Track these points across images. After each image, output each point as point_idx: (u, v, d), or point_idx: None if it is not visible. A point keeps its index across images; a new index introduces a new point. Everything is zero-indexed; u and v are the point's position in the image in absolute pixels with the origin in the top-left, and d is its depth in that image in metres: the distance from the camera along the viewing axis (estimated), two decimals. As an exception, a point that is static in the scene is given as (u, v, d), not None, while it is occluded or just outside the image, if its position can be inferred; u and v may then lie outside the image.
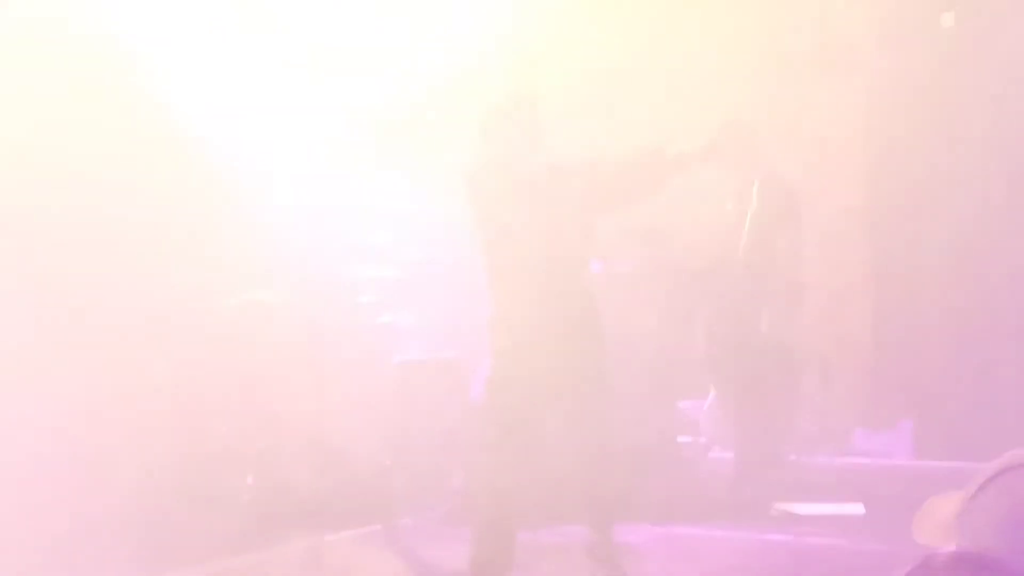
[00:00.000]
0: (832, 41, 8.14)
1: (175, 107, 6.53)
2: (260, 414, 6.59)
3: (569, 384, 5.23)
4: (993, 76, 7.46)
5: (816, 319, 7.16)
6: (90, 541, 5.64)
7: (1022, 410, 7.24)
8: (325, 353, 6.85)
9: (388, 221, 7.73)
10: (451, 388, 6.87)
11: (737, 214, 6.78)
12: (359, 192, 7.48)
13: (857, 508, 6.52)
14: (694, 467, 7.17)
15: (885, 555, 4.92)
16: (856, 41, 8.10)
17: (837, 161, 7.98)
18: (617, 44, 7.95)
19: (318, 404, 6.67)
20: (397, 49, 7.59)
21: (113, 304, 6.11)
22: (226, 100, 6.83)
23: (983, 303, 7.48)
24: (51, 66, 5.97)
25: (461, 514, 6.19)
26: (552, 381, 5.19)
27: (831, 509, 6.52)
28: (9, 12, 5.95)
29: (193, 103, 6.63)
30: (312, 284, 6.83)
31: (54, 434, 5.78)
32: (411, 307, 7.41)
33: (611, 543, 5.38)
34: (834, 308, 7.71)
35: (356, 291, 7.35)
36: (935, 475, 6.50)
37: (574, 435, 5.33)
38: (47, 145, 5.84)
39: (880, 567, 4.83)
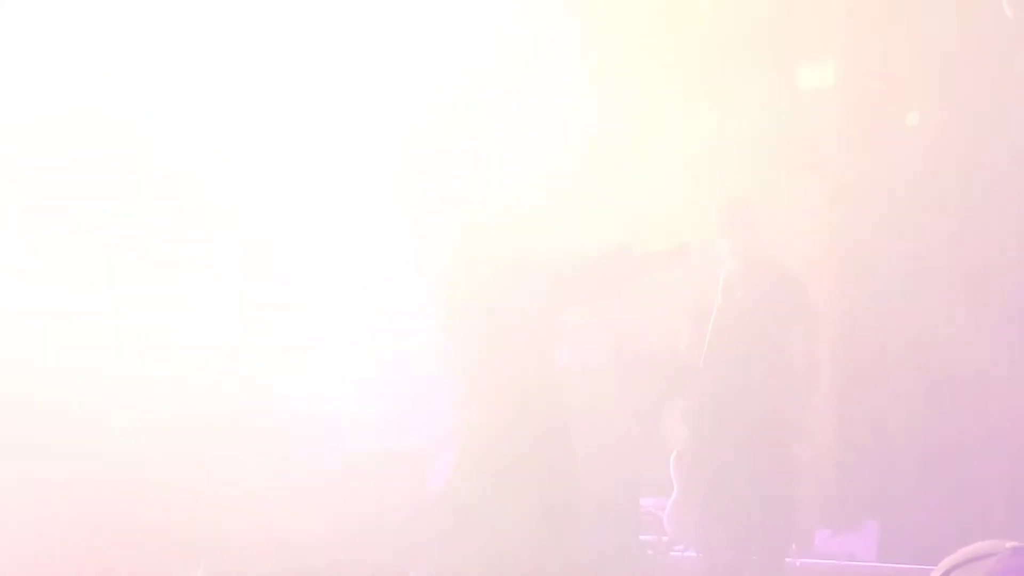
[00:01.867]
0: (799, 137, 8.21)
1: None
2: (212, 501, 6.47)
3: (533, 479, 5.16)
4: (957, 172, 7.53)
5: (781, 415, 7.08)
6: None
7: (988, 513, 7.18)
8: (281, 441, 6.74)
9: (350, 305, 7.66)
10: (408, 479, 6.75)
11: (730, 299, 6.69)
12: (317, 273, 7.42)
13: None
14: (656, 566, 7.04)
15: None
16: (823, 138, 8.16)
17: (802, 260, 7.98)
18: (594, 125, 7.99)
19: (272, 493, 6.53)
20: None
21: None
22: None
23: (949, 402, 7.45)
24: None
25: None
26: (516, 476, 5.13)
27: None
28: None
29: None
30: (268, 367, 6.73)
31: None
32: (370, 395, 7.31)
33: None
34: (798, 404, 7.65)
35: (314, 377, 7.26)
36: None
37: (537, 528, 5.25)
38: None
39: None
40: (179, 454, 6.45)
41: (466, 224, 5.40)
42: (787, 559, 6.91)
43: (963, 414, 7.47)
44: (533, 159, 7.45)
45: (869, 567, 7.13)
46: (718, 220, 6.70)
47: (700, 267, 6.66)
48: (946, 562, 1.58)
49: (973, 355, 7.46)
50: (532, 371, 5.21)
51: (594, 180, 7.95)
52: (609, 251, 5.47)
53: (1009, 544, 1.56)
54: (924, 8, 7.85)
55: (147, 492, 6.35)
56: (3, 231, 6.35)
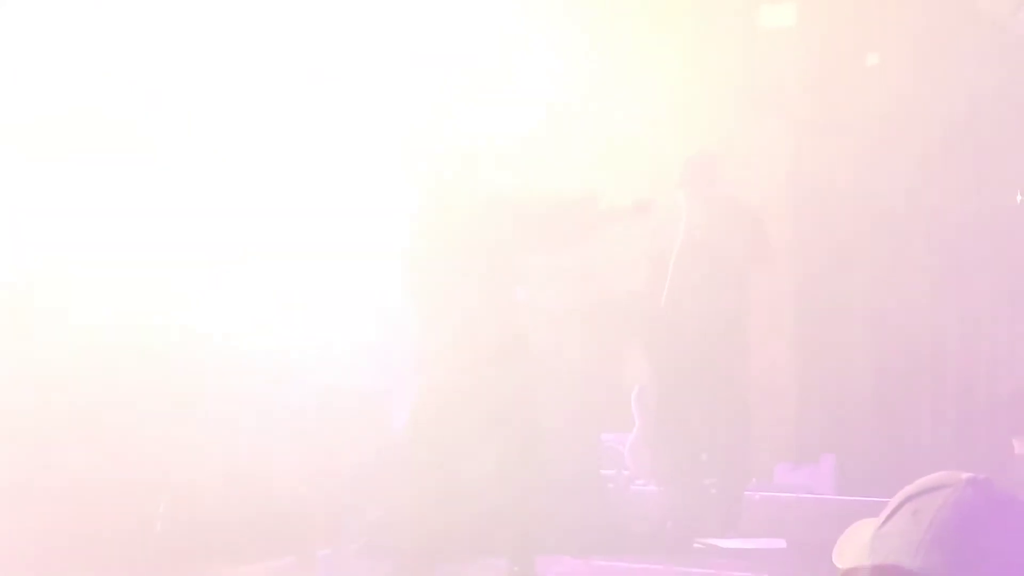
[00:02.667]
0: (759, 82, 8.21)
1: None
2: (173, 438, 6.46)
3: (495, 414, 5.20)
4: (919, 114, 7.56)
5: (743, 352, 7.15)
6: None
7: (943, 445, 7.31)
8: (245, 379, 6.73)
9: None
10: (372, 416, 6.78)
11: (679, 242, 6.75)
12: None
13: (778, 543, 6.52)
14: (616, 500, 7.13)
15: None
16: (783, 82, 8.16)
17: (760, 200, 8.02)
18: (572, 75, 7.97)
19: (236, 429, 6.54)
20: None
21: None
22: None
23: (906, 338, 7.54)
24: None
25: (378, 547, 6.10)
26: (478, 411, 5.16)
27: (752, 544, 6.51)
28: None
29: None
30: (237, 304, 6.71)
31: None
32: (337, 334, 7.32)
33: (533, 574, 5.34)
34: (757, 342, 7.73)
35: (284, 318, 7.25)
36: (857, 510, 6.51)
37: (498, 466, 5.30)
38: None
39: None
40: (145, 389, 6.44)
41: (437, 156, 5.38)
42: (746, 492, 7.03)
43: (918, 348, 7.57)
44: (503, 102, 7.45)
45: (827, 500, 7.24)
46: (679, 170, 6.77)
47: (662, 212, 6.70)
48: (903, 493, 1.63)
49: (929, 291, 7.56)
50: (495, 308, 5.22)
51: (559, 124, 7.95)
52: (575, 200, 5.50)
53: (965, 475, 1.61)
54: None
55: (114, 428, 6.34)
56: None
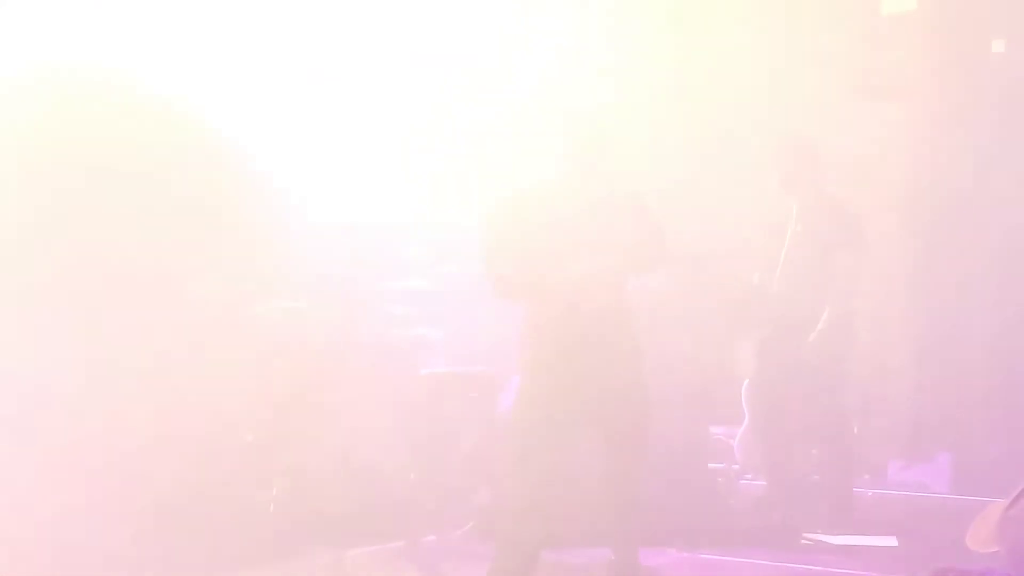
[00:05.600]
0: (881, 66, 8.04)
1: (201, 113, 6.55)
2: (287, 424, 6.56)
3: (600, 402, 5.16)
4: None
5: (857, 348, 7.03)
6: (111, 547, 5.61)
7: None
8: (354, 364, 6.80)
9: (420, 233, 7.70)
10: (479, 402, 6.79)
11: (788, 236, 6.68)
12: (392, 204, 7.45)
13: (890, 541, 6.38)
14: (725, 493, 7.05)
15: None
16: (905, 67, 7.98)
17: (881, 187, 7.86)
18: (665, 65, 7.91)
19: (346, 415, 6.61)
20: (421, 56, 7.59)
21: (137, 313, 6.12)
22: (256, 108, 6.84)
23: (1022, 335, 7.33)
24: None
25: (486, 531, 6.11)
26: (583, 398, 5.13)
27: (863, 541, 6.38)
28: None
29: (222, 112, 6.64)
30: (343, 295, 6.78)
31: (74, 441, 5.77)
32: (442, 320, 7.35)
33: (636, 566, 5.30)
34: (874, 338, 7.58)
35: (387, 302, 7.31)
36: (972, 509, 6.35)
37: (603, 454, 5.26)
38: (57, 144, 5.86)
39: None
40: (258, 374, 6.53)
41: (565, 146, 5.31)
42: (858, 489, 6.88)
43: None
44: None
45: (941, 498, 7.07)
46: (780, 164, 6.68)
47: (789, 193, 6.63)
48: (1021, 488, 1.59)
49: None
50: (600, 290, 5.17)
51: (674, 107, 7.90)
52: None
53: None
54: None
55: (226, 412, 6.44)
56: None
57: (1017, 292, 7.39)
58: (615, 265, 5.19)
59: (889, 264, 7.88)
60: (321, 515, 6.28)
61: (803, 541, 6.41)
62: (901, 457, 7.48)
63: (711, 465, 7.05)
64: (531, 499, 5.16)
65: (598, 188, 5.21)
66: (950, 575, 1.44)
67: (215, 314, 6.52)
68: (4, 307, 5.77)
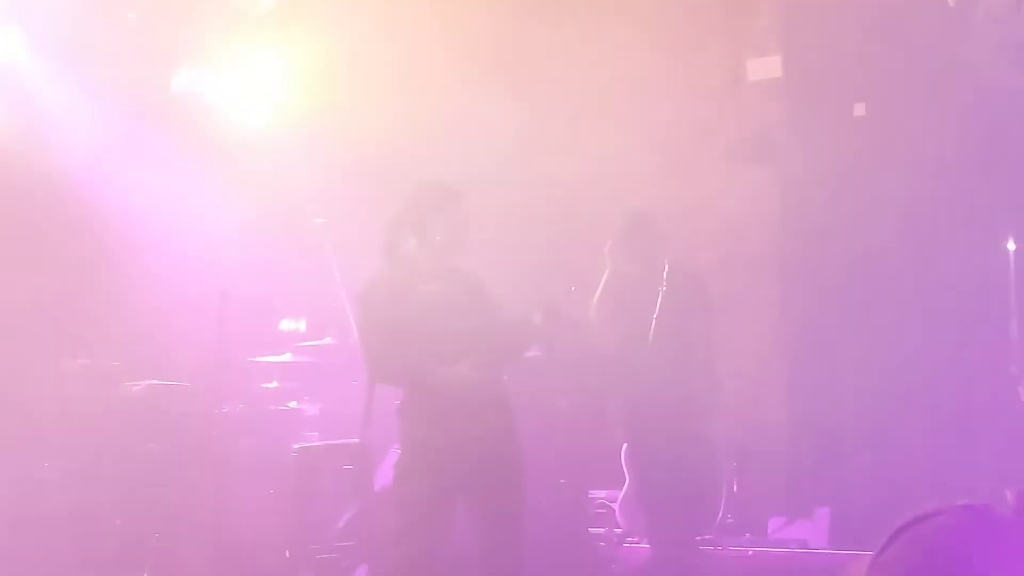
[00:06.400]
0: (746, 132, 8.21)
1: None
2: (157, 504, 6.35)
3: (480, 471, 5.09)
4: (904, 164, 7.55)
5: (732, 407, 7.08)
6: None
7: (939, 498, 7.17)
8: (226, 440, 6.62)
9: (295, 307, 7.60)
10: (355, 476, 6.65)
11: (648, 303, 6.70)
12: (266, 275, 7.35)
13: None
14: (608, 558, 6.99)
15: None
16: (770, 131, 8.16)
17: (752, 250, 7.98)
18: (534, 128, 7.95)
19: (217, 492, 6.41)
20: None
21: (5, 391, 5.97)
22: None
23: (900, 389, 7.46)
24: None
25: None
26: (462, 468, 5.05)
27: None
28: None
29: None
30: (215, 369, 6.61)
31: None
32: (316, 393, 7.24)
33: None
34: (750, 396, 7.64)
35: (260, 376, 7.17)
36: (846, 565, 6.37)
37: (483, 523, 5.18)
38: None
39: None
40: (126, 453, 6.36)
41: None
42: (739, 548, 6.88)
43: (914, 399, 7.49)
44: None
45: (821, 554, 7.10)
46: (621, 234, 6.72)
47: (643, 262, 6.67)
48: (899, 523, 1.56)
49: (921, 343, 7.48)
50: (479, 386, 5.15)
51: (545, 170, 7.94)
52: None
53: (961, 502, 1.53)
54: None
55: (95, 493, 6.25)
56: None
57: (884, 347, 7.54)
58: (491, 359, 5.19)
59: (763, 323, 7.98)
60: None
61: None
62: (780, 513, 7.52)
63: (592, 530, 6.99)
64: (412, 569, 5.05)
65: (465, 277, 5.23)
66: None
67: (84, 392, 6.37)
68: None
